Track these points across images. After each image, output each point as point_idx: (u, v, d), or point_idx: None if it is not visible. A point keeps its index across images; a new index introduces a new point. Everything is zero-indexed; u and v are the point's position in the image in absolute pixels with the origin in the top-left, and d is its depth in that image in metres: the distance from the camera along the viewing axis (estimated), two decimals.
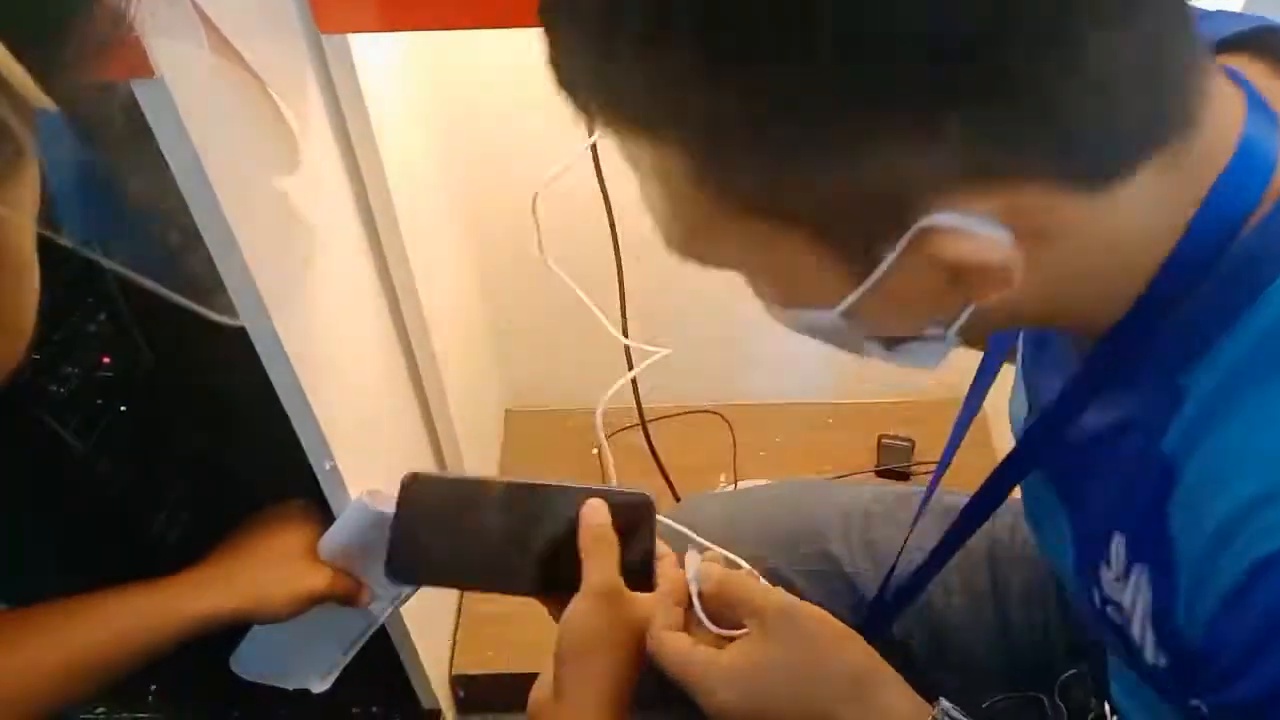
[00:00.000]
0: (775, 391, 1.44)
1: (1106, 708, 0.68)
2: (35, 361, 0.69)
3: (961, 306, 0.43)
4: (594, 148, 0.90)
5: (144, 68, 0.48)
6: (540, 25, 0.40)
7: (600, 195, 0.98)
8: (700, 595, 0.57)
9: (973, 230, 0.37)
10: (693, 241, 0.45)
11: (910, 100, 0.35)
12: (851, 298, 0.42)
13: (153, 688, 0.92)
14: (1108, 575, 0.49)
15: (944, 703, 0.54)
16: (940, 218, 0.37)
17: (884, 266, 0.40)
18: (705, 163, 0.39)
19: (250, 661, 0.80)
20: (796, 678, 0.53)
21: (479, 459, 1.23)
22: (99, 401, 0.80)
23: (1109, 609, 0.50)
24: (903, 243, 0.39)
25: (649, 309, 1.12)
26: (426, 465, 1.04)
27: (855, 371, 1.37)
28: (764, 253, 0.43)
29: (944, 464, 0.70)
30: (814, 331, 0.48)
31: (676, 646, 0.55)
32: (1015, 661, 0.78)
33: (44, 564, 0.80)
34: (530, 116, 1.02)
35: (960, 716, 0.53)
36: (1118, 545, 0.47)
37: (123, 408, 0.82)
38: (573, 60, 0.39)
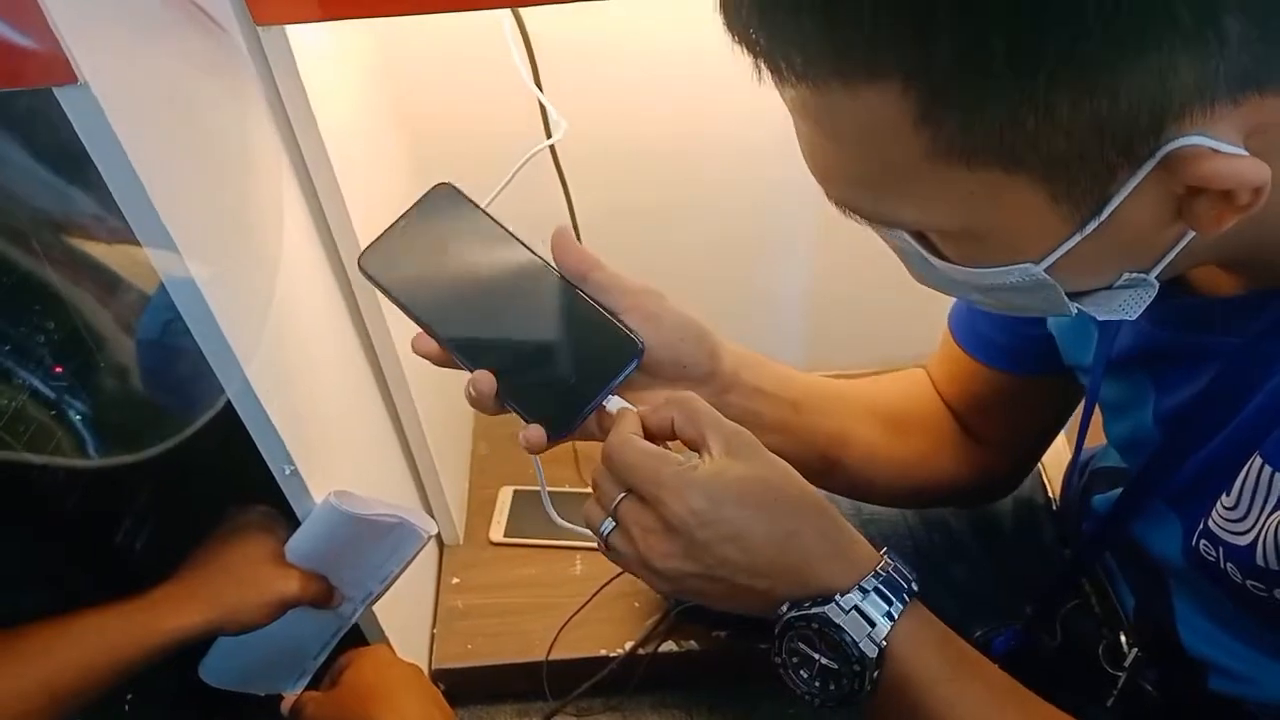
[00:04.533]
0: None
1: (1123, 639, 0.68)
2: None
3: (1171, 245, 0.42)
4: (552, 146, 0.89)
5: (66, 73, 0.46)
6: None
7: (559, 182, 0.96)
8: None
9: (1224, 150, 0.36)
10: (878, 196, 0.43)
11: None
12: (1074, 240, 0.41)
13: (129, 697, 0.91)
14: (1224, 503, 0.50)
15: (886, 551, 0.54)
16: (1196, 138, 0.36)
17: (1123, 195, 0.39)
18: (932, 105, 0.37)
19: (220, 670, 0.79)
20: (771, 491, 0.53)
21: (450, 448, 1.21)
22: (52, 412, 0.79)
23: (1203, 544, 0.52)
24: (1148, 167, 0.37)
25: None
26: (394, 464, 1.03)
27: (824, 342, 1.37)
28: (963, 205, 0.41)
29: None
30: (990, 291, 0.46)
31: (647, 449, 0.54)
32: (1010, 592, 0.79)
33: (10, 579, 0.79)
34: (482, 103, 1.01)
35: (900, 565, 0.53)
36: (1253, 467, 0.48)
37: (78, 417, 0.81)
38: (782, 14, 0.37)
